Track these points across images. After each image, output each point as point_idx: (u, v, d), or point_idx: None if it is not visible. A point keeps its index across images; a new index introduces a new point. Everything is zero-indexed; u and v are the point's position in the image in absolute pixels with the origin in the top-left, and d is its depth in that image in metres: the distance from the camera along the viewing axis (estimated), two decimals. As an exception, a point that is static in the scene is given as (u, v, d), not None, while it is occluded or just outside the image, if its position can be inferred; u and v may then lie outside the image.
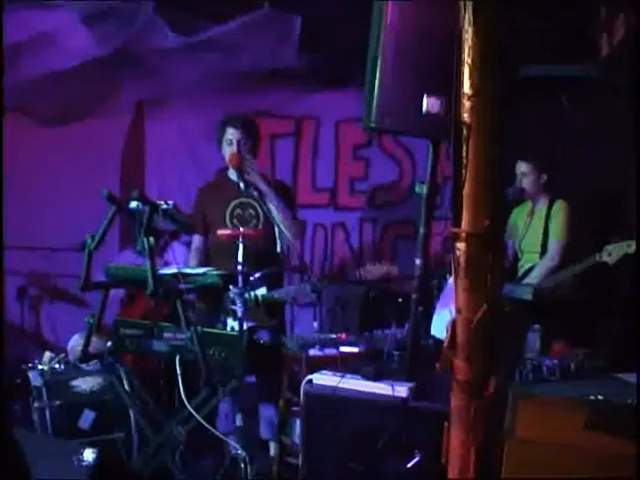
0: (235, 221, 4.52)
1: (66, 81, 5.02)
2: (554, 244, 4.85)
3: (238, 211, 4.55)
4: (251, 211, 4.53)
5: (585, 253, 4.40)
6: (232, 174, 4.52)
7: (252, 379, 3.83)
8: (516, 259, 5.10)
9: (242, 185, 4.36)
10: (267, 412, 4.35)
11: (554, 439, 2.66)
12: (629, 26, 4.09)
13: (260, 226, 4.49)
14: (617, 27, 4.28)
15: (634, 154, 4.07)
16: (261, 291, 3.82)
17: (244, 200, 4.53)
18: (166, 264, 4.64)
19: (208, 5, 4.52)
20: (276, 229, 4.42)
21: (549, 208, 4.92)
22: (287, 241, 4.63)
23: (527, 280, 4.80)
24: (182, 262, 5.02)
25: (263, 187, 4.39)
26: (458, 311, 2.12)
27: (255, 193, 4.35)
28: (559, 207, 4.89)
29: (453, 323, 2.21)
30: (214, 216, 4.57)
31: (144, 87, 5.61)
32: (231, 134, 4.49)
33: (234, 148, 4.47)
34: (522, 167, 4.93)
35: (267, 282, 3.89)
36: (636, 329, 3.95)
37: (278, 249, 4.48)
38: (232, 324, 3.93)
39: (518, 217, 5.11)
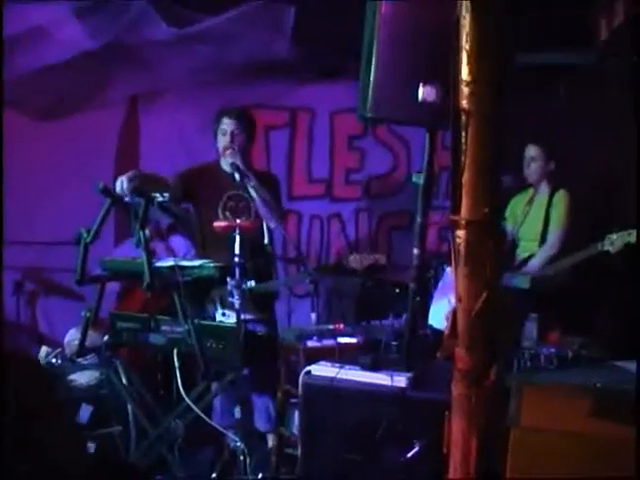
0: (228, 213, 4.47)
1: (59, 74, 5.00)
2: (555, 232, 4.84)
3: (231, 203, 4.49)
4: (244, 203, 4.48)
5: (584, 242, 4.40)
6: (225, 165, 4.48)
7: (246, 371, 3.82)
8: (514, 246, 5.09)
9: (237, 176, 4.31)
10: (261, 403, 4.34)
11: (559, 427, 2.66)
12: (628, 9, 4.07)
13: (252, 218, 4.43)
14: (617, 11, 4.26)
15: (635, 143, 4.07)
16: (249, 283, 3.79)
17: (237, 192, 4.48)
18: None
19: (201, -4, 4.52)
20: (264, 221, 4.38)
21: (550, 197, 4.91)
22: (281, 232, 4.61)
23: (526, 268, 4.79)
24: (181, 254, 5.01)
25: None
26: (458, 299, 2.12)
27: (250, 184, 4.31)
28: (561, 196, 4.88)
29: (453, 312, 2.20)
30: (206, 207, 4.51)
31: (138, 80, 5.59)
32: (226, 124, 4.44)
33: (228, 139, 4.43)
34: (532, 151, 4.92)
35: (256, 274, 3.87)
36: (636, 318, 3.95)
37: (266, 241, 4.44)
38: (221, 318, 3.92)
39: (516, 205, 5.10)
